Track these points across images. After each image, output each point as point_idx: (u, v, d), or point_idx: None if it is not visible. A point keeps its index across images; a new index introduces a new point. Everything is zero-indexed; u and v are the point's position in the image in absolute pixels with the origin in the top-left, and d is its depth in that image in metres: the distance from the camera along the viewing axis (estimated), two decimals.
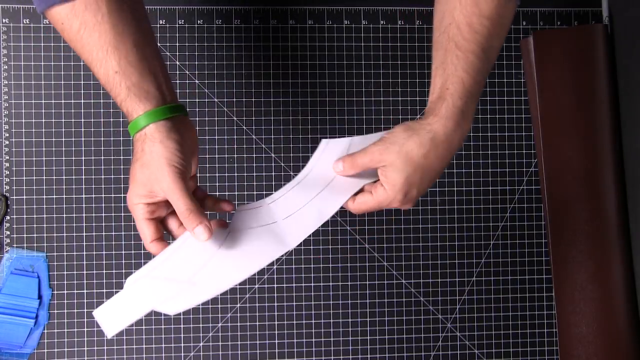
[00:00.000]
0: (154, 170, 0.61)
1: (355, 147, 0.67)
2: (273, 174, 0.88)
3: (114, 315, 0.61)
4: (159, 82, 0.64)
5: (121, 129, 0.86)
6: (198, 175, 0.86)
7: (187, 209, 0.60)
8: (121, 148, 0.86)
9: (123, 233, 0.85)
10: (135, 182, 0.62)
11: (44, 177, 0.85)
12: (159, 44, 0.87)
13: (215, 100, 0.87)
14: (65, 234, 0.85)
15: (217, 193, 0.87)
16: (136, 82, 0.62)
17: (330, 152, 0.68)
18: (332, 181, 0.67)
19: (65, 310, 0.85)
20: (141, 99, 0.62)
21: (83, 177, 0.85)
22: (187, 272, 0.62)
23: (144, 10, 0.66)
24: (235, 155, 0.87)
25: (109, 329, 0.61)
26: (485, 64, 0.64)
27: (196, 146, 0.66)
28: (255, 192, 0.87)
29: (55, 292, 0.85)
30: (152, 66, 0.64)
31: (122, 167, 0.86)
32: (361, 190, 0.67)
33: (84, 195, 0.85)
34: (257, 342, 0.87)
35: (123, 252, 0.85)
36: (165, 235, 0.64)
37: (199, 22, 0.88)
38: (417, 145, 0.63)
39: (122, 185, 0.85)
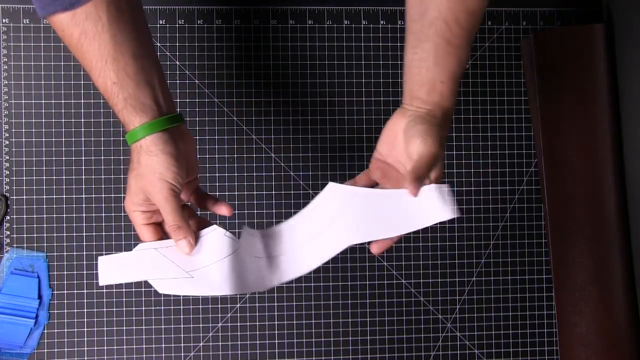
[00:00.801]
0: (146, 183, 0.63)
1: (360, 197, 0.68)
2: (273, 174, 0.88)
3: (113, 269, 0.65)
4: (156, 93, 0.65)
5: (121, 129, 0.86)
6: (199, 175, 0.86)
7: (174, 224, 0.64)
8: (121, 148, 0.86)
9: (123, 233, 0.85)
10: (131, 191, 0.64)
11: (44, 177, 0.85)
12: (158, 44, 0.87)
13: (215, 100, 0.87)
14: (65, 234, 0.85)
15: (217, 193, 0.87)
16: (133, 94, 0.63)
17: (334, 196, 0.69)
18: (333, 225, 0.68)
19: (65, 310, 0.85)
20: (137, 111, 0.63)
21: (83, 177, 0.85)
22: (191, 265, 0.65)
23: (144, 20, 0.67)
24: (235, 155, 0.87)
25: (103, 278, 0.65)
26: (469, 53, 0.66)
27: (194, 152, 0.68)
28: (255, 192, 0.87)
29: (55, 292, 0.85)
30: (150, 77, 0.65)
31: (122, 167, 0.86)
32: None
33: (84, 195, 0.85)
34: (257, 342, 0.87)
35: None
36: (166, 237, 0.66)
37: (199, 22, 0.88)
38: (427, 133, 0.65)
39: (122, 185, 0.85)
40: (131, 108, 0.63)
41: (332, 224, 0.68)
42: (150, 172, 0.63)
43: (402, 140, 0.66)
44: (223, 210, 0.70)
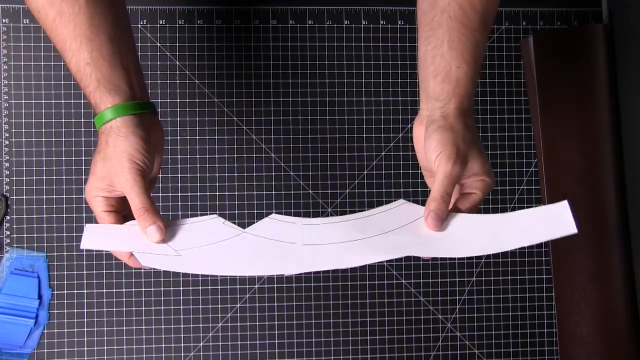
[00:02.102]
0: (114, 164, 0.60)
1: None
2: (273, 174, 0.88)
3: (98, 235, 0.62)
4: (131, 78, 0.63)
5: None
6: (199, 175, 0.86)
7: (142, 206, 0.60)
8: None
9: None
10: (95, 174, 0.61)
11: (44, 177, 0.85)
12: (158, 44, 0.87)
13: (215, 100, 0.87)
14: (65, 234, 0.85)
15: (217, 193, 0.87)
16: (107, 75, 0.62)
17: (400, 213, 0.65)
18: (374, 237, 0.63)
19: (65, 310, 0.85)
20: (110, 92, 0.61)
21: (83, 177, 0.85)
22: (183, 243, 0.63)
23: (124, 8, 0.66)
24: (235, 155, 0.87)
25: (86, 242, 0.62)
26: (486, 38, 0.63)
27: (162, 147, 0.66)
28: (255, 192, 0.87)
29: (55, 292, 0.85)
30: (125, 62, 0.63)
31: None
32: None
33: (83, 195, 0.85)
34: (257, 342, 0.87)
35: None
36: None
37: (199, 22, 0.88)
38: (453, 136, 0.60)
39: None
40: (104, 89, 0.61)
41: (387, 234, 0.64)
42: (119, 153, 0.60)
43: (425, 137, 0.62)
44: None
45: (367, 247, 0.62)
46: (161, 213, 0.84)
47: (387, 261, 0.88)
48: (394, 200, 0.66)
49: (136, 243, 0.62)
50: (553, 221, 0.60)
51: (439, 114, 0.61)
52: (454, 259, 0.88)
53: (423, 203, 0.89)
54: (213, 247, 0.63)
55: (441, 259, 0.89)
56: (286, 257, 0.63)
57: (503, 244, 0.61)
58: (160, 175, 0.86)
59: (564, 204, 0.61)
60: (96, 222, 0.63)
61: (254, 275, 0.66)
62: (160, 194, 0.86)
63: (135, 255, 0.62)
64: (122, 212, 0.64)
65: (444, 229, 0.61)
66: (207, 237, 0.63)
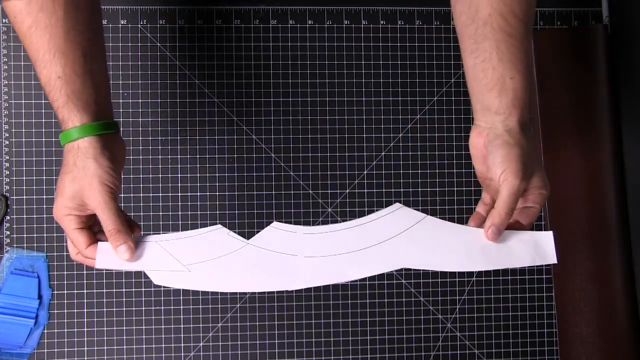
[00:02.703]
0: (85, 185, 0.62)
1: (426, 226, 0.66)
2: (273, 174, 0.88)
3: (111, 254, 0.64)
4: (100, 96, 0.64)
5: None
6: (199, 175, 0.86)
7: (114, 227, 0.62)
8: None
9: None
10: (64, 194, 0.62)
11: (44, 177, 0.85)
12: (158, 44, 0.87)
13: (215, 100, 0.87)
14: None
15: (217, 193, 0.87)
16: (77, 92, 0.62)
17: (396, 218, 0.66)
18: (372, 247, 0.65)
19: (65, 310, 0.85)
20: (79, 110, 0.62)
21: None
22: (191, 258, 0.65)
23: (100, 23, 0.66)
24: (235, 155, 0.87)
25: (100, 261, 0.64)
26: (531, 44, 0.63)
27: (124, 164, 0.67)
28: (255, 192, 0.87)
29: (55, 292, 0.85)
30: (96, 80, 0.64)
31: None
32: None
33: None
34: (257, 342, 0.87)
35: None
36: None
37: (199, 22, 0.88)
38: (513, 153, 0.61)
39: (121, 186, 0.85)
40: (72, 105, 0.62)
41: (385, 242, 0.66)
42: (89, 175, 0.62)
43: (488, 151, 0.63)
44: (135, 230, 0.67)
45: (366, 260, 0.64)
46: (161, 213, 0.85)
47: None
48: (393, 202, 0.68)
49: (147, 262, 0.65)
50: (539, 250, 0.64)
51: (502, 128, 0.61)
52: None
53: (423, 203, 0.89)
54: (219, 260, 0.65)
55: None
56: (289, 272, 0.65)
57: (491, 262, 0.64)
58: (160, 175, 0.86)
59: (549, 235, 0.65)
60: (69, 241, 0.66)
61: (259, 291, 0.71)
62: (161, 194, 0.86)
63: (147, 274, 0.64)
64: (92, 228, 0.65)
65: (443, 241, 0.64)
66: (213, 250, 0.65)
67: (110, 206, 0.62)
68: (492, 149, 0.62)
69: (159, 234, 0.73)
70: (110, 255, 0.64)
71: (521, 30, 0.61)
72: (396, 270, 0.88)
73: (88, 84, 0.63)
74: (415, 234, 0.65)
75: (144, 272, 0.65)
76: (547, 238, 0.65)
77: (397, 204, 0.67)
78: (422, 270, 0.74)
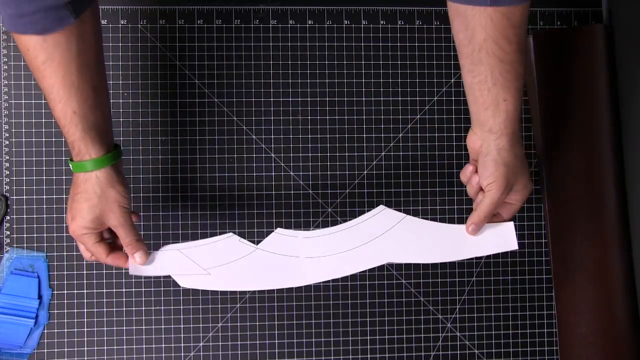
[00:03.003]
0: (106, 210, 0.69)
1: (407, 225, 0.77)
2: (273, 174, 0.88)
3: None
4: (109, 127, 0.70)
5: (121, 129, 0.86)
6: (199, 175, 0.86)
7: (132, 239, 0.72)
8: (121, 148, 0.86)
9: None
10: (84, 217, 0.69)
11: (44, 177, 0.85)
12: (158, 44, 0.87)
13: (215, 100, 0.88)
14: (65, 234, 0.85)
15: (217, 193, 0.87)
16: (92, 126, 0.67)
17: (381, 219, 0.77)
18: (362, 246, 0.77)
19: (65, 310, 0.85)
20: (94, 143, 0.67)
21: None
22: (209, 262, 0.76)
23: (103, 53, 0.69)
24: (235, 155, 0.87)
25: (132, 269, 0.75)
26: (524, 63, 0.67)
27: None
28: (255, 192, 0.87)
29: (55, 292, 0.85)
30: (104, 111, 0.69)
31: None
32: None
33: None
34: (257, 342, 0.87)
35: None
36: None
37: (199, 22, 0.88)
38: (503, 167, 0.70)
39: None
40: (89, 139, 0.67)
41: (373, 241, 0.77)
42: (109, 201, 0.69)
43: (480, 164, 0.71)
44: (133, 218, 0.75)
45: (358, 257, 0.76)
46: (161, 213, 0.85)
47: (385, 263, 0.88)
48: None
49: (173, 268, 0.76)
50: (502, 239, 0.76)
51: (494, 147, 0.69)
52: (427, 265, 0.90)
53: (423, 203, 0.89)
54: (234, 264, 0.76)
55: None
56: (293, 271, 0.77)
57: (463, 253, 0.76)
58: (160, 175, 0.86)
59: (510, 225, 0.75)
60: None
61: (270, 288, 0.80)
62: (161, 194, 0.86)
63: (174, 278, 0.75)
64: (107, 239, 0.73)
65: (422, 237, 0.76)
66: (228, 255, 0.77)
67: (127, 222, 0.71)
68: (484, 162, 0.70)
69: (179, 242, 0.79)
70: (140, 266, 0.75)
71: (513, 56, 0.65)
72: (396, 270, 0.88)
73: (99, 117, 0.68)
74: (397, 232, 0.76)
75: (166, 277, 0.73)
76: (509, 228, 0.75)
77: (381, 206, 0.77)
78: (405, 263, 0.82)
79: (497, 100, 0.67)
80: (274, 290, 0.87)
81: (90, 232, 0.70)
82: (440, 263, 0.89)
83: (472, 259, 0.89)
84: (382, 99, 0.89)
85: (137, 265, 0.74)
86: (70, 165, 0.69)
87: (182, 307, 0.86)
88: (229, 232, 0.78)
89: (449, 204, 0.89)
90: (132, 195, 0.86)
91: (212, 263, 0.77)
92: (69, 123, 0.66)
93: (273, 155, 0.88)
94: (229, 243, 0.77)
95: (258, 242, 0.76)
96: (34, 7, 0.60)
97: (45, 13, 0.61)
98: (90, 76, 0.66)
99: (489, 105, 0.67)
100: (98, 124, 0.68)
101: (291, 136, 0.88)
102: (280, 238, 0.78)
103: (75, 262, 0.85)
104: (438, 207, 0.89)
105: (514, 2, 0.62)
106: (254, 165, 0.88)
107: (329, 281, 0.87)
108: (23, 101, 0.85)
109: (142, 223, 0.85)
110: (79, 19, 0.63)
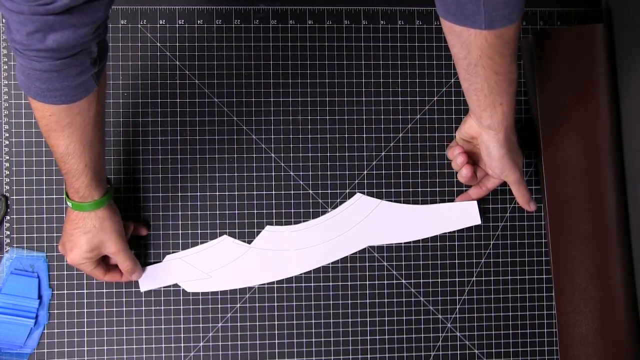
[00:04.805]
0: (105, 239, 0.76)
1: (383, 209, 0.86)
2: (273, 174, 0.88)
3: (149, 278, 0.84)
4: (104, 165, 0.76)
5: (121, 129, 0.86)
6: (199, 175, 0.86)
7: (130, 264, 0.80)
8: (121, 148, 0.86)
9: None
10: (82, 248, 0.76)
11: (44, 177, 0.85)
12: (159, 44, 0.87)
13: (215, 100, 0.88)
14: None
15: (217, 193, 0.87)
16: (97, 173, 0.73)
17: (359, 206, 0.86)
18: (344, 233, 0.86)
19: (65, 310, 0.85)
20: (98, 188, 0.74)
21: None
22: (209, 267, 0.84)
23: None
24: (235, 155, 0.87)
25: (143, 285, 0.84)
26: (517, 70, 0.72)
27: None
28: (255, 192, 0.87)
29: (55, 292, 0.85)
30: (104, 152, 0.75)
31: (121, 167, 0.86)
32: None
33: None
34: (257, 342, 0.87)
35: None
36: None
37: (199, 22, 0.88)
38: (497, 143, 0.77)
39: (121, 186, 0.86)
40: (95, 186, 0.73)
41: (353, 228, 0.86)
42: (108, 232, 0.76)
43: (484, 153, 0.78)
44: (142, 231, 0.84)
45: (341, 244, 0.86)
46: (161, 213, 0.85)
47: (386, 261, 0.88)
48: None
49: (178, 276, 0.84)
50: (467, 215, 0.86)
51: (496, 141, 0.76)
52: (427, 264, 0.89)
53: (423, 203, 0.89)
54: (231, 265, 0.84)
55: (441, 258, 0.89)
56: (285, 263, 0.85)
57: (433, 229, 0.87)
58: (160, 175, 0.86)
59: (474, 204, 0.86)
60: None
61: (267, 281, 0.85)
62: (161, 194, 0.86)
63: (181, 285, 0.84)
64: (101, 262, 0.80)
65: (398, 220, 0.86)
66: (225, 256, 0.84)
67: (125, 249, 0.79)
68: (489, 154, 0.77)
69: (178, 251, 0.85)
70: (149, 280, 0.84)
71: (507, 67, 0.69)
72: (396, 271, 0.88)
73: (103, 162, 0.75)
74: (374, 217, 0.86)
75: (180, 284, 0.84)
76: (472, 206, 0.86)
77: (358, 194, 0.86)
78: (386, 245, 0.87)
79: (494, 104, 0.72)
80: (273, 290, 0.87)
81: (89, 260, 0.77)
82: (441, 263, 0.89)
83: (472, 258, 0.89)
84: (382, 99, 0.89)
85: (146, 282, 0.84)
86: (69, 203, 0.75)
87: (182, 307, 0.86)
88: (228, 232, 0.82)
89: None
90: (131, 195, 0.86)
91: (212, 266, 0.84)
92: (79, 174, 0.71)
93: (273, 155, 0.88)
94: (224, 245, 0.84)
95: None
96: (68, 82, 0.63)
97: (76, 86, 0.64)
98: (101, 131, 0.72)
99: (486, 107, 0.72)
100: (101, 170, 0.74)
101: (291, 136, 0.88)
102: (270, 234, 0.85)
103: None
104: None
105: (507, 23, 0.64)
106: (254, 165, 0.88)
107: (328, 281, 0.87)
108: (23, 101, 0.85)
109: (142, 223, 0.85)
110: (99, 83, 0.67)
